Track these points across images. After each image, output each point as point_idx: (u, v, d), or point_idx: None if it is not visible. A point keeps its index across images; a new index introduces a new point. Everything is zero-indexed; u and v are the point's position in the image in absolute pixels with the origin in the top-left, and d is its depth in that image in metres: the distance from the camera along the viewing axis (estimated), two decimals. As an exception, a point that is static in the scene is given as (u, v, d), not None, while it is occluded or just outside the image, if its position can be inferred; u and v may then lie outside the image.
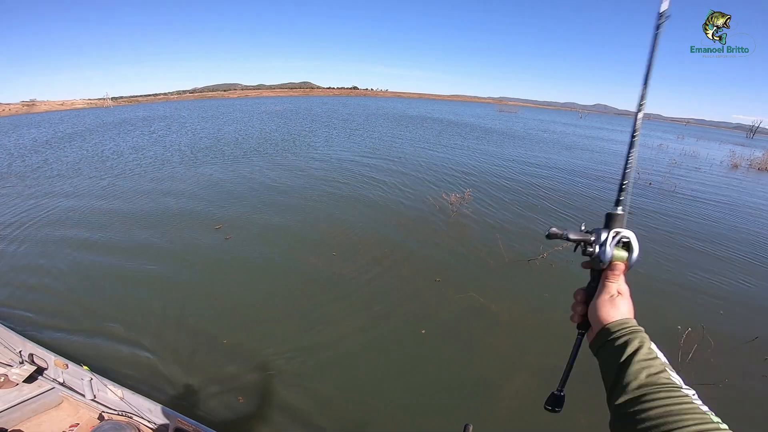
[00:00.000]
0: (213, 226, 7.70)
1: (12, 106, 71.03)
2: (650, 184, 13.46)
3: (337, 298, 5.39)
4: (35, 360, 3.64)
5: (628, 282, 0.82)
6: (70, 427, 3.10)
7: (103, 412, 3.14)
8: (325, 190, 10.24)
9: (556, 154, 19.21)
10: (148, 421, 2.95)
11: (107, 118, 38.16)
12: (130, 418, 3.00)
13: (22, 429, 3.15)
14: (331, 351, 4.38)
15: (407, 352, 4.44)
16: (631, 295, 0.81)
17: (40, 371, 3.52)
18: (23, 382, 3.37)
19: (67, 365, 3.42)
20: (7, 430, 3.05)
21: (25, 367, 3.47)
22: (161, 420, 2.88)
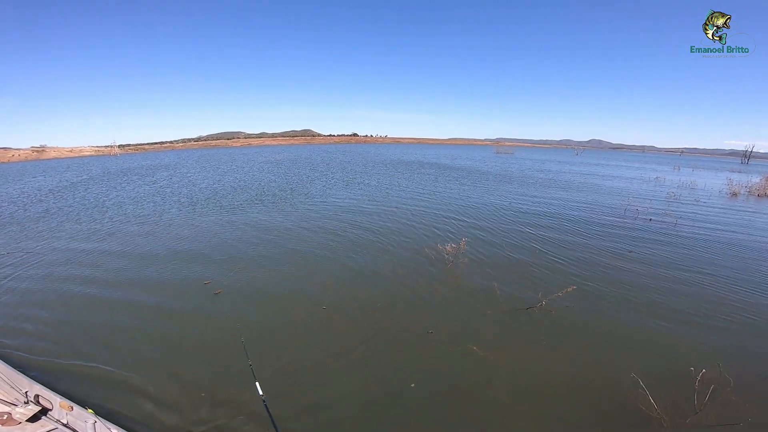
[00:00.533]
0: (203, 280, 7.53)
1: (22, 151, 71.92)
2: (650, 220, 13.33)
3: (324, 354, 5.14)
4: (41, 401, 3.72)
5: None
6: None
7: None
8: (318, 243, 10.15)
9: (552, 196, 19.32)
10: None
11: (112, 166, 39.18)
12: None
13: None
14: (320, 410, 4.15)
15: (399, 409, 4.19)
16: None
17: (44, 411, 3.59)
18: (26, 421, 3.44)
19: (71, 407, 3.47)
20: None
21: (29, 406, 3.56)
22: None
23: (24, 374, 4.02)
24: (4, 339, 5.61)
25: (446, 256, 8.26)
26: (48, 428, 3.43)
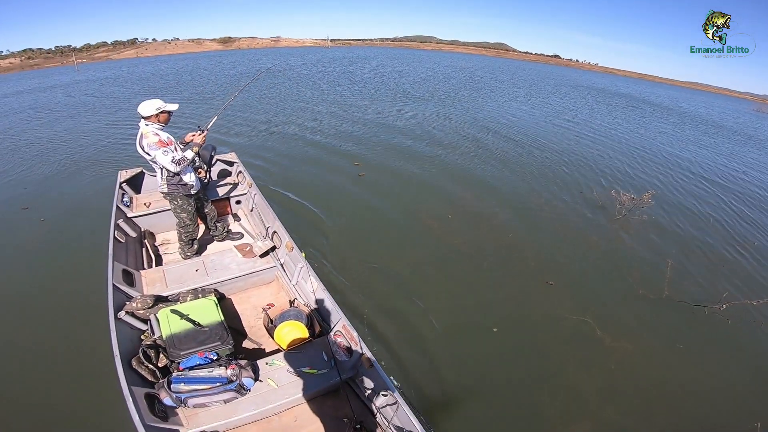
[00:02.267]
0: (354, 161, 8.21)
1: (263, 40, 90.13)
2: None
3: (431, 264, 5.05)
4: (274, 238, 3.89)
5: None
6: (267, 305, 3.36)
7: (296, 298, 3.35)
8: (474, 150, 9.69)
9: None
10: (322, 317, 3.13)
11: (325, 55, 44.90)
12: (311, 309, 3.17)
13: (237, 296, 3.52)
14: (399, 319, 4.09)
15: (474, 347, 3.88)
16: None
17: (273, 249, 3.74)
18: (259, 255, 3.66)
19: (293, 248, 3.57)
20: (223, 295, 3.40)
21: (266, 242, 3.74)
22: (332, 318, 3.02)
23: (271, 209, 4.17)
24: (257, 172, 6.82)
25: (618, 206, 6.80)
26: (270, 265, 3.59)
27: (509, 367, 3.72)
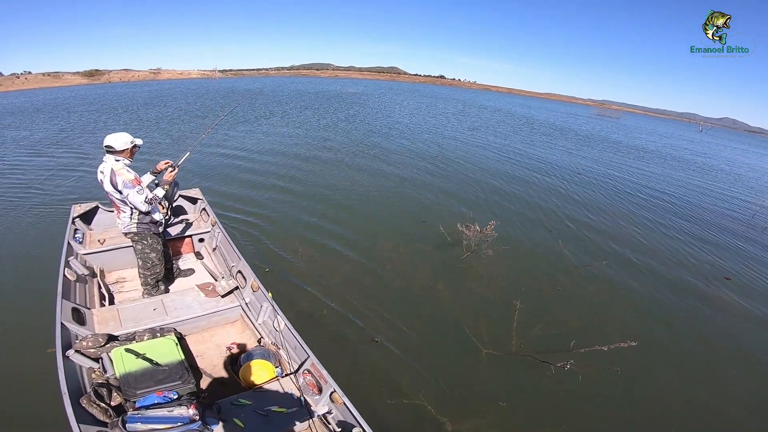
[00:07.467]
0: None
1: (141, 72, 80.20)
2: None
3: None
4: (238, 277, 3.83)
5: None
6: (232, 344, 3.28)
7: (262, 338, 3.31)
8: (320, 186, 8.93)
9: (647, 182, 15.26)
10: (290, 356, 3.04)
11: (208, 87, 41.39)
12: (278, 348, 3.13)
13: (198, 335, 3.40)
14: None
15: None
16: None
17: (236, 288, 3.69)
18: (222, 296, 3.57)
19: (258, 288, 3.52)
20: (183, 335, 3.24)
21: (230, 281, 3.71)
22: (299, 357, 2.96)
23: (236, 248, 4.05)
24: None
25: (466, 242, 6.32)
26: (234, 305, 3.54)
27: None
